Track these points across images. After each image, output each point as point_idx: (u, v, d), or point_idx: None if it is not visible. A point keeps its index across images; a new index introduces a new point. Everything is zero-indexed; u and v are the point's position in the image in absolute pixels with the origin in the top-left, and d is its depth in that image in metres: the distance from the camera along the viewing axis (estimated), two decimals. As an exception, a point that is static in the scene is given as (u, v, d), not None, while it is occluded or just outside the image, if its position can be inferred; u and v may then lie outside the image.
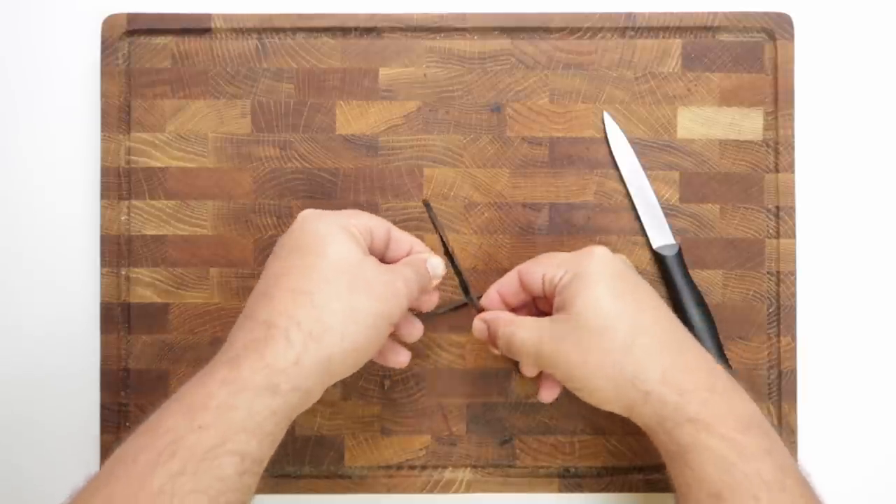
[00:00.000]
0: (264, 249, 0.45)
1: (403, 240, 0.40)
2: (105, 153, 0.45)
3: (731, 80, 0.46)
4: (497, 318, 0.40)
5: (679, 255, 0.45)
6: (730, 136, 0.46)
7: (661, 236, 0.45)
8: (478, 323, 0.41)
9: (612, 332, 0.36)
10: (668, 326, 0.37)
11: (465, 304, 0.44)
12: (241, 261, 0.46)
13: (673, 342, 0.37)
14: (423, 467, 0.45)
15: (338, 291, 0.34)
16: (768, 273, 0.46)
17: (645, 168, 0.45)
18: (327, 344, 0.34)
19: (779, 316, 0.45)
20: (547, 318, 0.38)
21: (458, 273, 0.42)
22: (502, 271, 0.43)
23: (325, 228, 0.36)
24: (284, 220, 0.46)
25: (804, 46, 0.47)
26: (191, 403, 0.32)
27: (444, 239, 0.42)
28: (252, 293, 0.36)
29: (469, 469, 0.45)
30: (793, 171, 0.46)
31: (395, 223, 0.45)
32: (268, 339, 0.33)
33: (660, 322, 0.37)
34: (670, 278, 0.45)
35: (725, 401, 0.35)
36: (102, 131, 0.45)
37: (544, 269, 0.39)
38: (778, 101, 0.46)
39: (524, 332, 0.38)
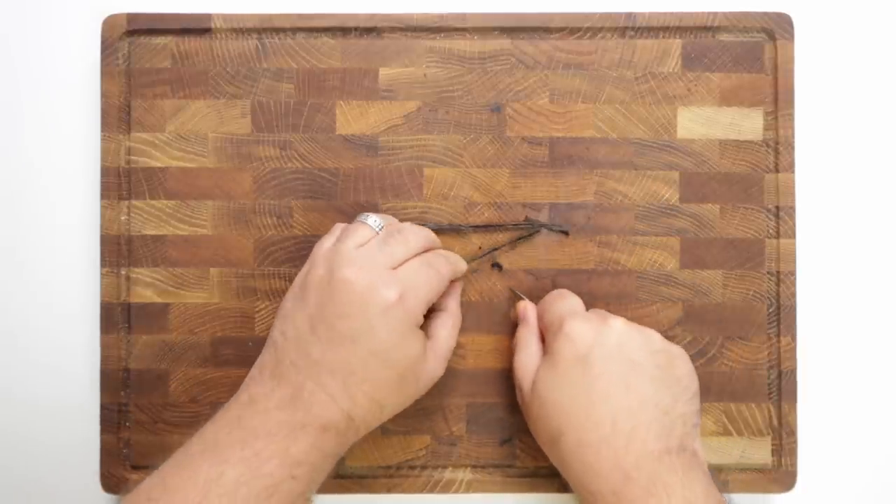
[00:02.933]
0: (264, 249, 0.45)
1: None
2: (105, 153, 0.45)
3: (731, 80, 0.46)
4: (524, 323, 0.43)
5: None
6: (730, 136, 0.46)
7: None
8: (521, 304, 0.44)
9: (545, 421, 0.39)
10: (594, 426, 0.37)
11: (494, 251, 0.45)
12: (241, 261, 0.46)
13: (592, 443, 0.37)
14: (423, 467, 0.45)
15: (400, 399, 0.39)
16: (768, 273, 0.46)
17: (645, 168, 0.46)
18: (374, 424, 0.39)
19: (779, 316, 0.45)
20: (543, 358, 0.41)
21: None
22: (502, 272, 0.45)
23: (405, 336, 0.37)
24: (284, 219, 0.46)
25: (804, 46, 0.47)
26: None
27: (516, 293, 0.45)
28: (309, 337, 0.37)
29: (469, 469, 0.45)
30: (793, 171, 0.46)
31: (395, 223, 0.45)
32: (326, 425, 0.37)
33: (589, 419, 0.38)
34: None
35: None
36: (102, 131, 0.45)
37: (549, 316, 0.41)
38: (778, 101, 0.46)
39: (521, 357, 0.42)
